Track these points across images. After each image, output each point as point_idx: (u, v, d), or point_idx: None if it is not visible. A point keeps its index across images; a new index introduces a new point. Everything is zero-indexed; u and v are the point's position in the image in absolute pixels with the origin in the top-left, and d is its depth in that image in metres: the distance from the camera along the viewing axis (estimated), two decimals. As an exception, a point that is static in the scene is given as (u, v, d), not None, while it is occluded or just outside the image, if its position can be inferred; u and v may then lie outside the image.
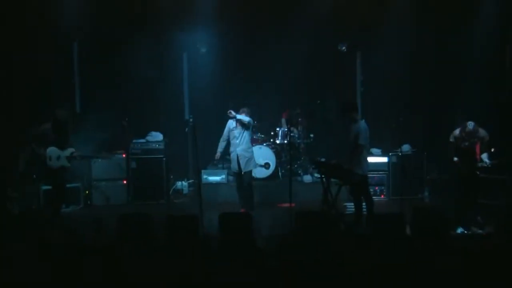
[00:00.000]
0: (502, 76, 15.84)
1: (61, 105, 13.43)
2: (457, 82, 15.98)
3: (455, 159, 12.36)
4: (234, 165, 13.85)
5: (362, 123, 11.99)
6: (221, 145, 13.89)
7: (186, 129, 16.03)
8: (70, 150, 12.99)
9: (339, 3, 15.75)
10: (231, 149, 13.80)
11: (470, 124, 12.05)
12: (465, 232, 11.63)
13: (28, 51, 15.28)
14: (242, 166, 13.63)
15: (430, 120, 15.98)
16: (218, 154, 14.08)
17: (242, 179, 13.76)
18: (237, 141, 13.68)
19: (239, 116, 13.52)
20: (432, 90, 16.15)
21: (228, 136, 13.87)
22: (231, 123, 13.73)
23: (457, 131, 12.34)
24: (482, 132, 12.21)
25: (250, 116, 13.80)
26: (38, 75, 15.54)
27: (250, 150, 13.91)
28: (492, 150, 12.55)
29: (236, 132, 13.70)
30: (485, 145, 12.27)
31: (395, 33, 15.76)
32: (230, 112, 13.47)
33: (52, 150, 12.82)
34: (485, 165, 12.20)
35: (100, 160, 14.92)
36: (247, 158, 13.69)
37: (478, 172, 12.26)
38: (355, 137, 11.81)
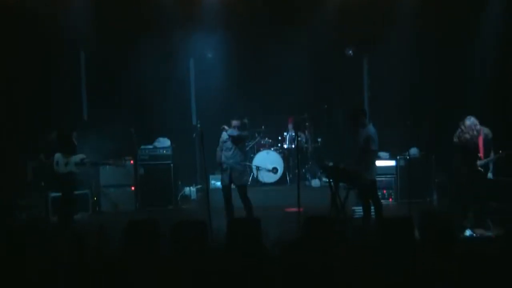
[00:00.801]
0: (506, 77, 15.77)
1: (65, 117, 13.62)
2: (464, 85, 15.96)
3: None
4: (224, 178, 13.03)
5: (371, 128, 11.96)
6: (218, 154, 13.19)
7: (194, 134, 16.10)
8: (80, 156, 13.05)
9: (346, 8, 15.75)
10: (223, 160, 13.01)
11: (469, 118, 12.06)
12: (473, 234, 11.61)
13: (35, 60, 15.34)
14: (234, 179, 12.98)
15: (438, 123, 15.89)
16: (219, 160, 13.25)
17: (238, 194, 13.06)
18: (230, 153, 12.95)
19: (229, 132, 12.89)
20: (440, 93, 16.12)
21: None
22: (224, 134, 13.07)
23: (459, 129, 12.34)
24: (485, 129, 12.17)
25: (241, 128, 13.06)
26: (45, 84, 15.62)
27: (243, 164, 13.27)
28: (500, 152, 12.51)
29: (229, 144, 12.99)
30: (490, 143, 12.23)
31: (401, 38, 15.77)
32: (224, 127, 13.07)
33: (59, 156, 12.89)
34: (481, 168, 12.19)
35: (108, 166, 14.91)
36: (239, 172, 13.02)
37: (479, 171, 12.20)
38: (365, 142, 11.77)
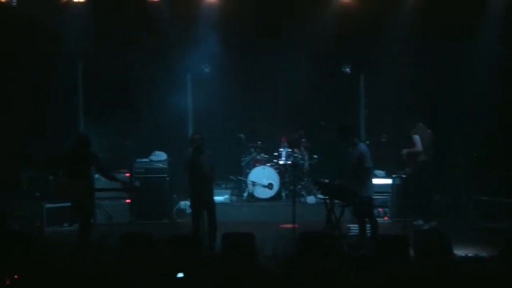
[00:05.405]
0: (504, 98, 15.84)
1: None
2: (460, 104, 16.02)
3: None
4: None
5: (363, 146, 12.07)
6: None
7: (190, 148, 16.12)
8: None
9: (343, 25, 15.81)
10: None
11: None
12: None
13: (33, 69, 15.35)
14: None
15: (435, 141, 15.90)
16: None
17: None
18: None
19: None
20: (436, 111, 16.11)
21: None
22: None
23: None
24: None
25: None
26: (42, 94, 15.62)
27: None
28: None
29: None
30: None
31: (398, 55, 15.81)
32: None
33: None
34: None
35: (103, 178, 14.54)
36: None
37: None
38: (358, 160, 11.84)
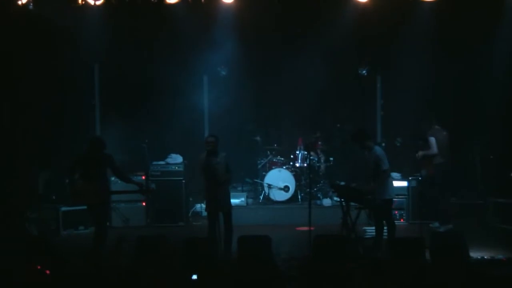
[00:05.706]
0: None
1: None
2: (479, 106, 15.94)
3: None
4: None
5: (378, 149, 11.99)
6: None
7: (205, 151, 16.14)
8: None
9: (360, 27, 15.75)
10: None
11: None
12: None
13: (50, 73, 15.39)
14: None
15: (451, 142, 15.84)
16: None
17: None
18: None
19: None
20: (454, 113, 16.04)
21: None
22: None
23: None
24: None
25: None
26: (59, 97, 15.67)
27: None
28: None
29: None
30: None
31: (415, 57, 15.72)
32: None
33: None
34: None
35: (119, 181, 14.43)
36: None
37: None
38: (375, 163, 11.78)
